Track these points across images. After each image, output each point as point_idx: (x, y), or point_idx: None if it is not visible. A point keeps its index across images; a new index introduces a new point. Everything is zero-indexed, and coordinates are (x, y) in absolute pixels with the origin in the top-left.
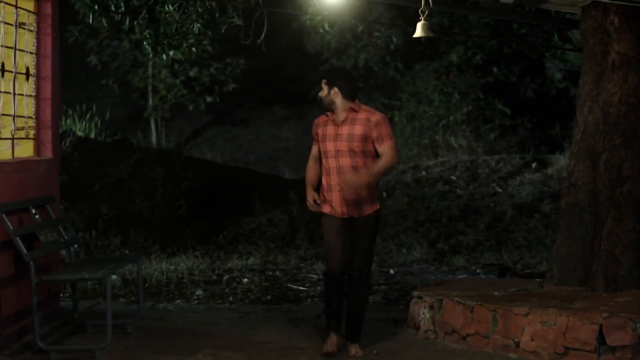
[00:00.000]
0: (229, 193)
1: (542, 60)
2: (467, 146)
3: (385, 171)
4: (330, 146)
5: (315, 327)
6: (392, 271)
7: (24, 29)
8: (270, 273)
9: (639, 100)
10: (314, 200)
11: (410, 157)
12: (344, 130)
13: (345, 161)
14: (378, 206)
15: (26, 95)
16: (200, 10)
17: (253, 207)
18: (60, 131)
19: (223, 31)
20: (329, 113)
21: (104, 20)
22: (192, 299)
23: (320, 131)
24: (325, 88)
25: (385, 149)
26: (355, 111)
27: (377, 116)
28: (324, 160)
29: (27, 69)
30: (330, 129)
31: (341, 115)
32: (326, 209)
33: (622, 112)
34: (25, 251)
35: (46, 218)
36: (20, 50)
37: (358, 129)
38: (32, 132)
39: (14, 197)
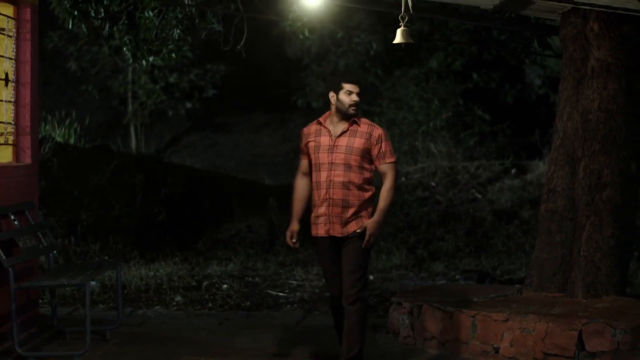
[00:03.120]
0: (209, 199)
1: (521, 67)
2: (446, 152)
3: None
4: (324, 158)
5: (295, 333)
6: (371, 277)
7: (3, 34)
8: (250, 279)
9: (618, 107)
10: (291, 236)
11: None
12: (342, 141)
13: (338, 175)
14: (365, 221)
15: (5, 101)
16: (180, 16)
17: (232, 214)
18: (40, 137)
19: (203, 37)
20: (322, 121)
21: (83, 26)
22: (172, 305)
23: (312, 141)
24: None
25: (386, 167)
26: (356, 123)
27: (379, 131)
28: (314, 173)
29: (6, 74)
30: (324, 140)
31: (341, 125)
32: (314, 231)
33: (602, 118)
34: (4, 257)
35: (25, 224)
36: None
37: (358, 142)
38: (11, 138)
39: None
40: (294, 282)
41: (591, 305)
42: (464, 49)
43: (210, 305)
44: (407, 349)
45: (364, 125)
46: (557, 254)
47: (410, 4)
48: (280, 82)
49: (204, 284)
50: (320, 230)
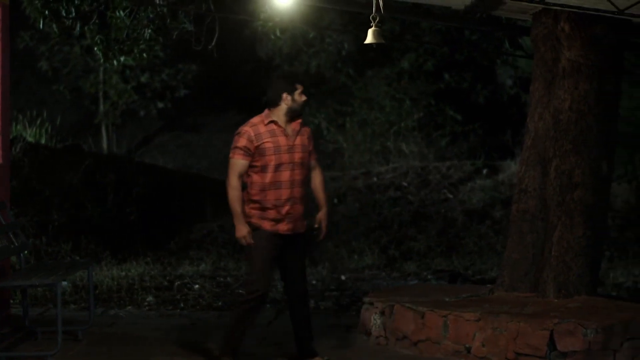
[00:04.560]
0: (181, 199)
1: (493, 67)
2: (418, 152)
3: None
4: (285, 158)
5: (267, 332)
6: (343, 277)
7: None
8: (222, 279)
9: (589, 107)
10: (249, 237)
11: (362, 164)
12: (298, 141)
13: (298, 174)
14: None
15: None
16: (151, 15)
17: (204, 214)
18: (11, 137)
19: (174, 37)
20: (275, 121)
21: (54, 26)
22: (143, 305)
23: (267, 142)
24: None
25: (316, 162)
26: (300, 120)
27: (309, 128)
28: (268, 174)
29: None
30: (282, 140)
31: (291, 125)
32: (267, 225)
33: (573, 119)
34: None
35: None
36: None
37: (307, 141)
38: None
39: None
40: None
41: (563, 305)
42: (436, 49)
43: (182, 305)
44: (379, 349)
45: (303, 124)
46: (528, 254)
47: (381, 4)
48: (251, 82)
49: (176, 284)
50: (282, 227)
